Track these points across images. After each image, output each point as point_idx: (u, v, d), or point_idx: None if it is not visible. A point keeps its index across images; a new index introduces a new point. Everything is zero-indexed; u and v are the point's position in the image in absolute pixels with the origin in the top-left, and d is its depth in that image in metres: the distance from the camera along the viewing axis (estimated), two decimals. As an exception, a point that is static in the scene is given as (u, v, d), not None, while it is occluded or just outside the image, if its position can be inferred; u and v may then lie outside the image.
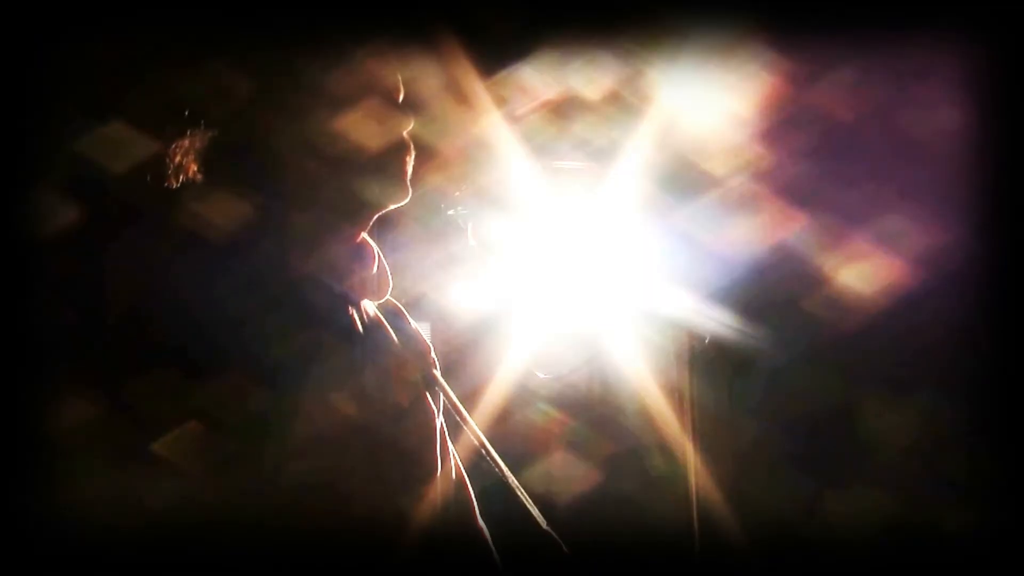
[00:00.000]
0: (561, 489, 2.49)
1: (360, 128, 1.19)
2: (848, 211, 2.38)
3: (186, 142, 1.16)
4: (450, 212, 2.31)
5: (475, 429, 1.38)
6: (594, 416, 2.66)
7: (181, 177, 1.17)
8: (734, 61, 2.16)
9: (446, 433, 1.35)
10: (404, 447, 1.26)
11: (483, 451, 1.37)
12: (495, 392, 2.04)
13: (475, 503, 1.38)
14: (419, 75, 1.26)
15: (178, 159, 1.16)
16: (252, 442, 1.09)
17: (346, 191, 1.22)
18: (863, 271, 2.39)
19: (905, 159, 2.30)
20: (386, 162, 1.23)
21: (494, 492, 1.38)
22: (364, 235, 1.30)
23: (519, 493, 1.38)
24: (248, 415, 1.09)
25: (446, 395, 1.37)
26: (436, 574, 1.26)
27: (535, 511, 1.37)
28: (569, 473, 2.57)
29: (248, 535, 1.07)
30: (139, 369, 1.06)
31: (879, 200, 2.34)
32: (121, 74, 1.15)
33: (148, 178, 1.15)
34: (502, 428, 1.80)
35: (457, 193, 2.28)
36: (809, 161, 2.36)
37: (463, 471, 1.38)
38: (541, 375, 2.52)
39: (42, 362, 1.08)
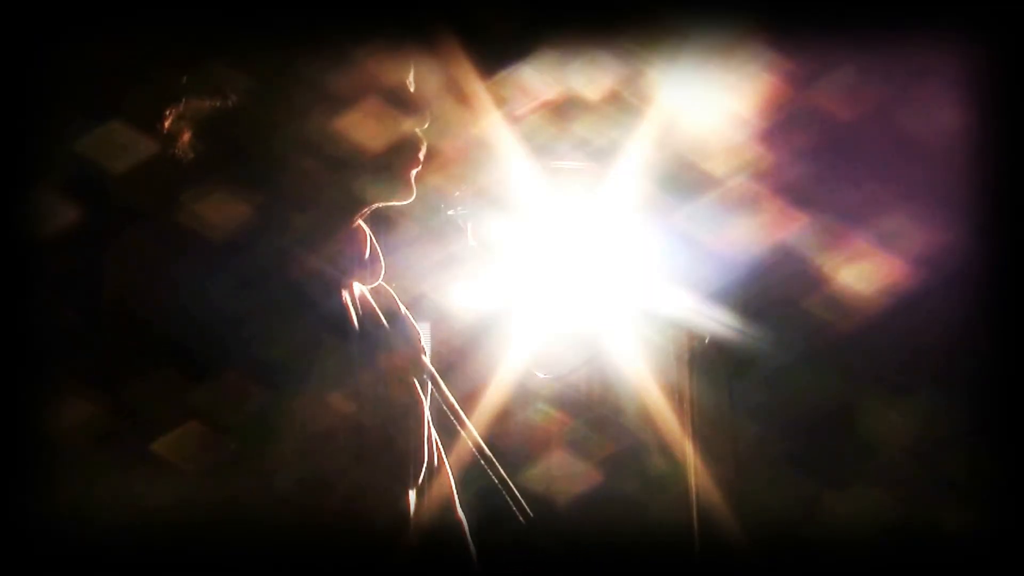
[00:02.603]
0: (561, 489, 2.50)
1: (361, 128, 1.19)
2: (848, 211, 2.38)
3: (181, 107, 1.15)
4: (450, 212, 2.31)
5: (469, 425, 1.37)
6: (594, 416, 2.67)
7: (177, 146, 1.16)
8: (734, 61, 2.16)
9: (431, 426, 1.35)
10: (402, 447, 1.26)
11: (477, 451, 1.37)
12: (495, 392, 2.04)
13: (455, 493, 1.38)
14: (419, 75, 1.26)
15: (169, 124, 1.15)
16: (252, 442, 1.09)
17: (347, 191, 1.22)
18: (863, 271, 2.39)
19: (905, 159, 2.30)
20: (388, 162, 1.23)
21: (489, 489, 1.38)
22: (360, 222, 1.29)
23: (510, 490, 1.37)
24: (248, 415, 1.09)
25: (438, 389, 1.36)
26: (434, 573, 1.26)
27: (522, 507, 1.37)
28: (569, 473, 2.57)
29: (247, 535, 1.07)
30: (139, 369, 1.06)
31: (879, 200, 2.34)
32: (121, 74, 1.15)
33: (148, 174, 1.15)
34: (502, 428, 1.80)
35: (457, 193, 2.28)
36: (809, 161, 2.36)
37: (445, 461, 1.37)
38: (541, 375, 2.52)
39: (42, 362, 1.08)
